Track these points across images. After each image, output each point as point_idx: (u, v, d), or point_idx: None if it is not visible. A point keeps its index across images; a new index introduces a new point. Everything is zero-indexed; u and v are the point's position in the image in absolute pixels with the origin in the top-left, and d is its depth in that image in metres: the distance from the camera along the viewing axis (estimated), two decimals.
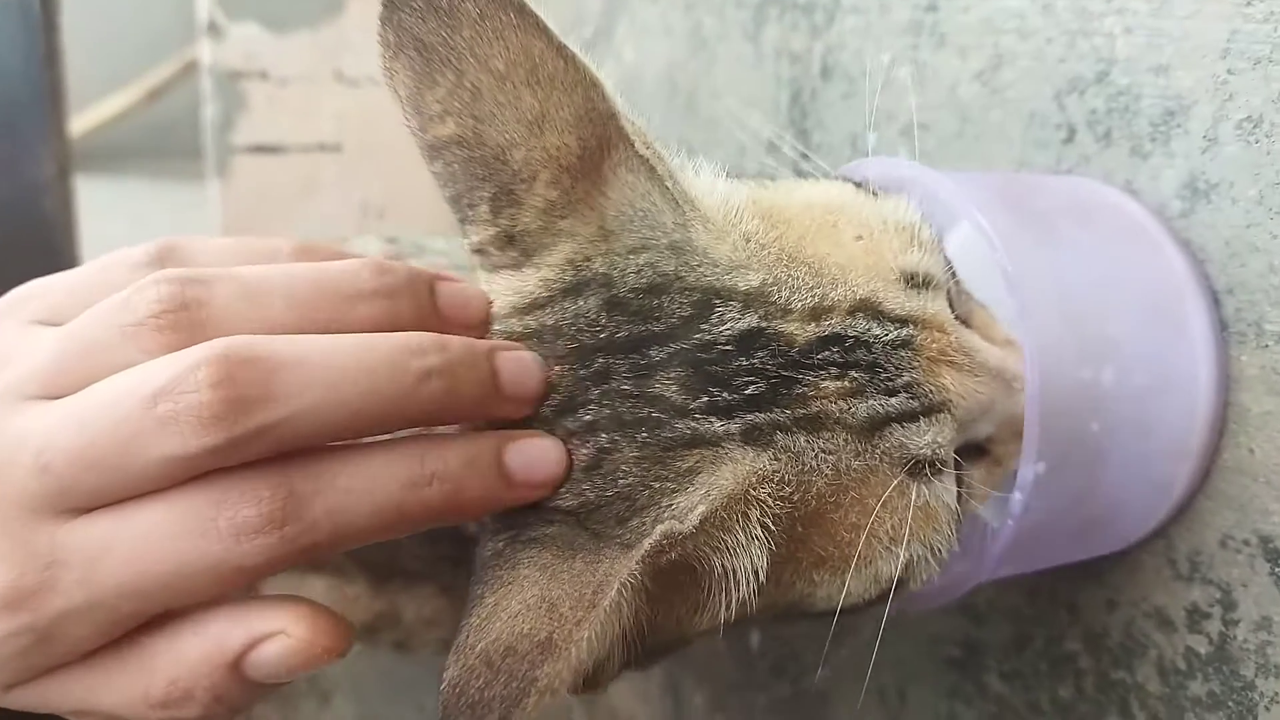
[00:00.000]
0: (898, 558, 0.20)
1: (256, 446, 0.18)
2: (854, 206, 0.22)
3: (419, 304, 0.20)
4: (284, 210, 0.58)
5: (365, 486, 0.18)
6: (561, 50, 0.20)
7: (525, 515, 0.20)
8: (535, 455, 0.20)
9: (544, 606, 0.18)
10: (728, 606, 0.20)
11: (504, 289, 0.21)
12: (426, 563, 0.32)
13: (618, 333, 0.20)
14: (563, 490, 0.20)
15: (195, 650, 0.19)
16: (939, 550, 0.21)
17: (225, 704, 0.19)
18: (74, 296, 0.21)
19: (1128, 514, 0.23)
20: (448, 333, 0.20)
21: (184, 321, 0.18)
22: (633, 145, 0.20)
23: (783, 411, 0.19)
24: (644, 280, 0.20)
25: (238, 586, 0.19)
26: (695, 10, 0.42)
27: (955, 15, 0.29)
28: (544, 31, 0.20)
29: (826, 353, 0.19)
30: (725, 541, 0.19)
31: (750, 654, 0.40)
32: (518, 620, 0.18)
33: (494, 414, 0.20)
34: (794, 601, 0.21)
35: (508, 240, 0.21)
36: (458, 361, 0.19)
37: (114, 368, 0.18)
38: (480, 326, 0.21)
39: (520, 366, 0.20)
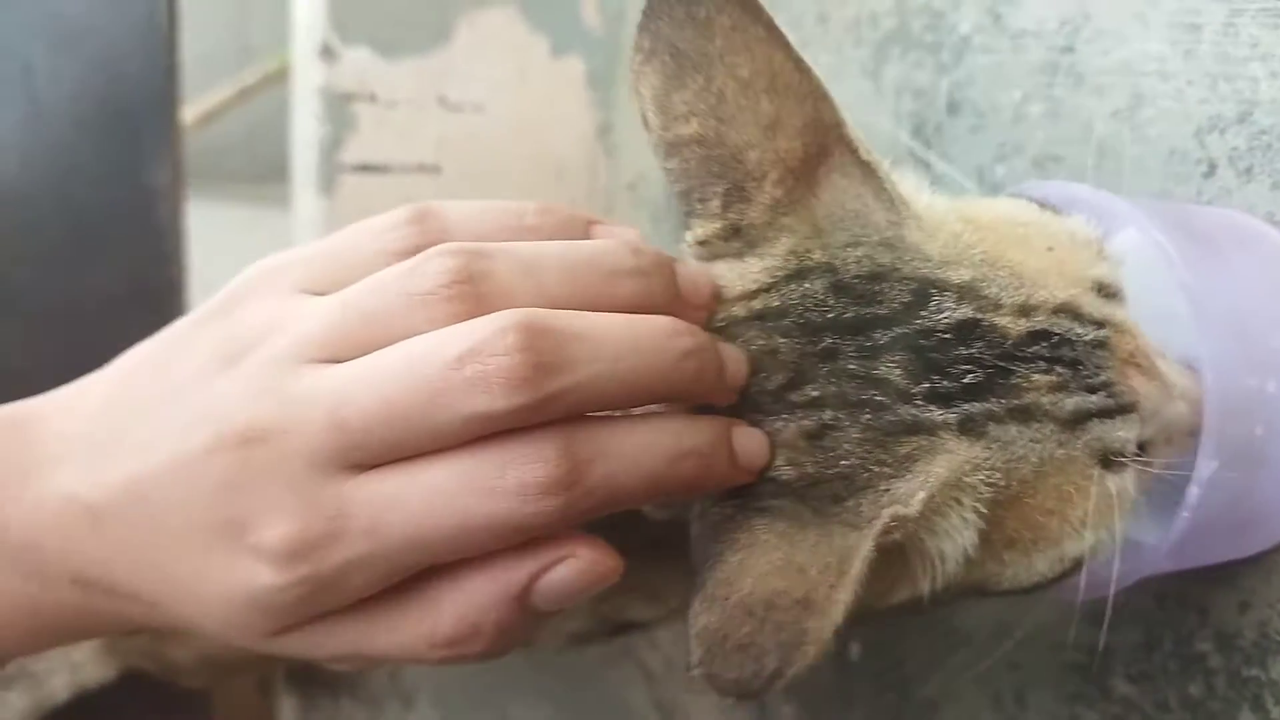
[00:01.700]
0: (1085, 540, 0.22)
1: (550, 410, 0.19)
2: (1040, 221, 0.24)
3: (666, 284, 0.22)
4: None
5: (635, 456, 0.20)
6: (799, 64, 0.22)
7: (747, 487, 0.22)
8: (755, 442, 0.22)
9: (792, 569, 0.20)
10: (932, 584, 0.22)
11: (727, 276, 0.23)
12: None
13: (844, 313, 0.22)
14: (783, 463, 0.22)
15: (482, 587, 0.21)
16: (1118, 537, 0.22)
17: (507, 637, 0.21)
18: (336, 264, 0.22)
19: (1276, 516, 0.25)
20: (685, 312, 0.22)
21: (470, 293, 0.20)
22: (856, 152, 0.22)
23: (998, 402, 0.21)
24: (865, 269, 0.22)
25: (513, 544, 0.20)
26: (810, 49, 0.44)
27: (1093, 58, 0.31)
28: (786, 46, 0.22)
29: (1036, 347, 0.21)
30: (939, 525, 0.21)
31: (849, 665, 0.42)
32: (768, 579, 0.20)
33: (717, 399, 0.22)
34: (979, 581, 0.23)
35: (734, 232, 0.23)
36: (703, 346, 0.21)
37: (399, 334, 0.20)
38: (709, 307, 0.23)
39: (736, 358, 0.22)
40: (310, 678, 0.57)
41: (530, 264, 0.21)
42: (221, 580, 0.21)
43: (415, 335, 0.20)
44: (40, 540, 0.23)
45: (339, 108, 0.59)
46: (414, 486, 0.20)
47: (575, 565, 0.21)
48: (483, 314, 0.20)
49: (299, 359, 0.21)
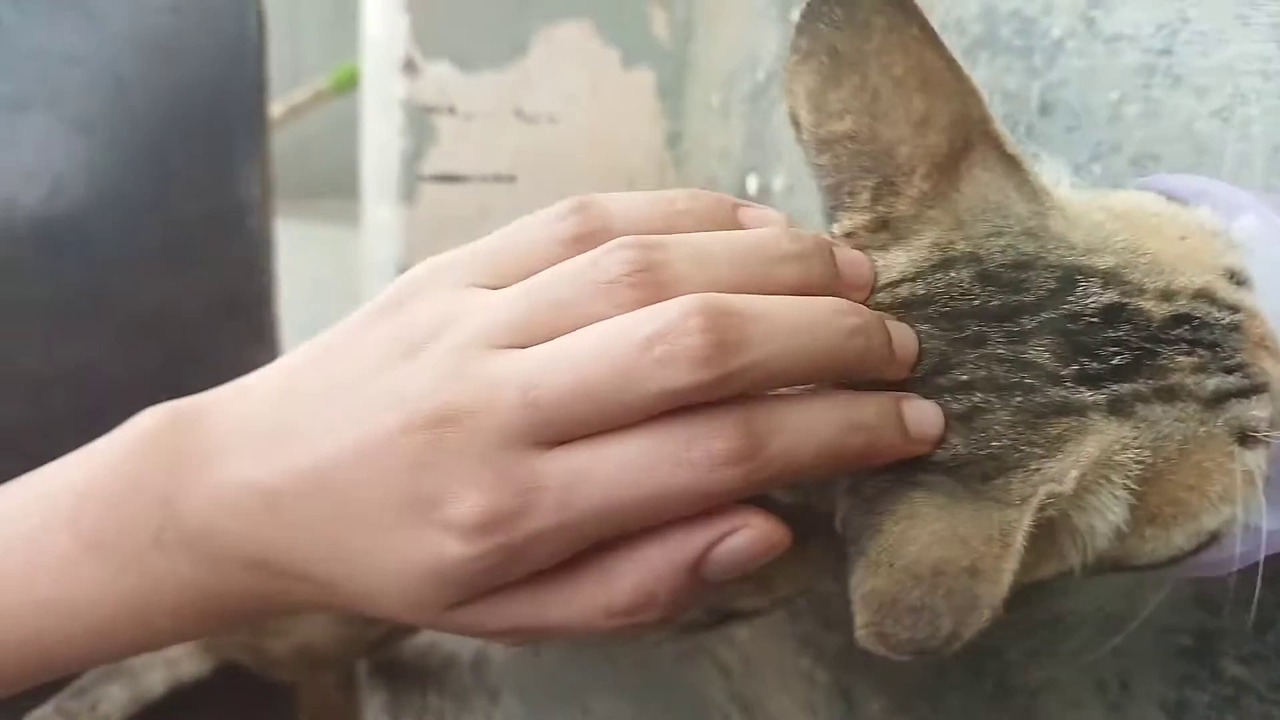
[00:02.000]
0: (1221, 514, 0.23)
1: (730, 387, 0.21)
2: (1170, 212, 0.25)
3: (826, 266, 0.23)
4: (461, 235, 0.62)
5: (809, 430, 0.21)
6: (950, 62, 0.23)
7: (900, 463, 0.23)
8: (926, 414, 0.23)
9: (955, 539, 0.21)
10: (1082, 560, 0.23)
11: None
12: None
13: (990, 301, 0.23)
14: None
15: (659, 558, 0.22)
16: (1250, 513, 0.23)
17: (679, 606, 0.23)
18: (504, 259, 0.24)
19: None
20: (845, 293, 0.23)
21: (650, 281, 0.21)
22: (1001, 146, 0.23)
23: (1145, 382, 0.22)
24: (1009, 258, 0.23)
25: (695, 512, 0.22)
26: None
27: (1192, 59, 0.32)
28: (938, 44, 0.23)
29: (1179, 330, 0.22)
30: (1089, 502, 0.22)
31: (943, 658, 0.43)
32: (931, 548, 0.21)
33: (886, 374, 0.23)
34: (1120, 556, 0.24)
35: (882, 224, 0.24)
36: (871, 324, 0.22)
37: (583, 321, 0.22)
38: (867, 288, 0.24)
39: (907, 334, 0.23)
40: (397, 672, 0.59)
41: (701, 253, 0.22)
42: (407, 555, 0.22)
43: (599, 321, 0.21)
44: (215, 527, 0.24)
45: (420, 120, 0.61)
46: (602, 460, 0.21)
47: (749, 535, 0.22)
48: (662, 300, 0.21)
49: (484, 345, 0.22)
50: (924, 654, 0.20)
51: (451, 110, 0.61)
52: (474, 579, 0.22)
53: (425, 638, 0.61)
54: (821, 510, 0.32)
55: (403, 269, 0.63)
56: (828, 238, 0.24)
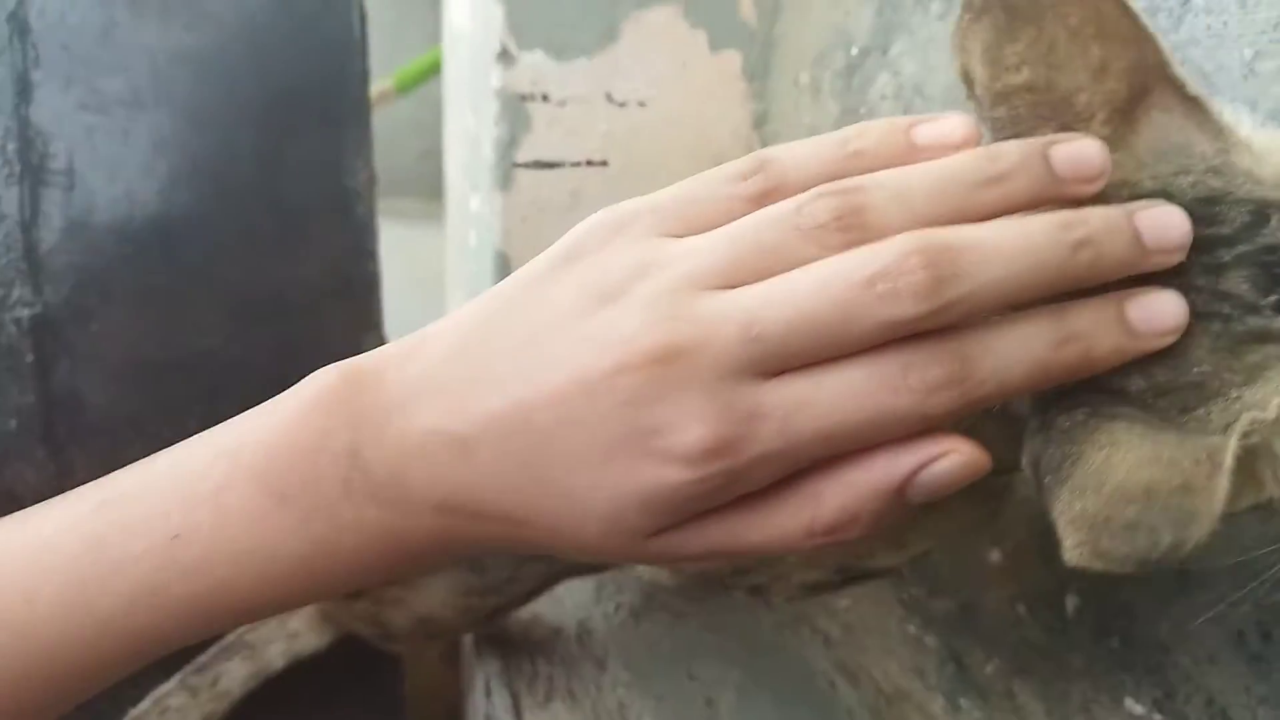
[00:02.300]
0: None
1: (948, 317, 0.22)
2: None
3: (1033, 179, 0.23)
4: (554, 220, 0.64)
5: (1019, 349, 0.23)
6: (1125, 8, 0.24)
7: (1093, 396, 0.24)
8: (1157, 306, 0.23)
9: (1163, 462, 0.22)
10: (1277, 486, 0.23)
11: None
12: None
13: None
14: (1133, 372, 0.23)
15: (866, 480, 0.23)
16: None
17: (878, 526, 0.24)
18: (690, 211, 0.25)
19: None
20: (1068, 194, 0.23)
21: (856, 224, 0.23)
22: (1181, 88, 0.24)
23: None
24: (1199, 193, 0.24)
25: (910, 434, 0.23)
26: None
27: None
28: None
29: None
30: None
31: (1065, 619, 0.43)
32: (1139, 470, 0.22)
33: (1142, 268, 0.23)
34: None
35: None
36: (1100, 229, 0.23)
37: (792, 263, 0.23)
38: (1100, 178, 0.24)
39: (1161, 219, 0.23)
40: (505, 644, 0.60)
41: (900, 191, 0.23)
42: (621, 486, 0.24)
43: (806, 263, 0.23)
44: (404, 474, 0.25)
45: (515, 108, 0.62)
46: (822, 388, 0.23)
47: (956, 460, 0.23)
48: (869, 241, 0.22)
49: (693, 287, 0.23)
50: (1143, 566, 0.21)
51: (545, 98, 0.62)
52: (688, 504, 0.24)
53: (527, 613, 0.62)
54: None
55: (501, 255, 0.65)
56: (1045, 137, 0.24)
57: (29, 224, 0.54)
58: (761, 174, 0.25)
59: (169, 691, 0.58)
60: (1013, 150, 0.24)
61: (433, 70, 1.23)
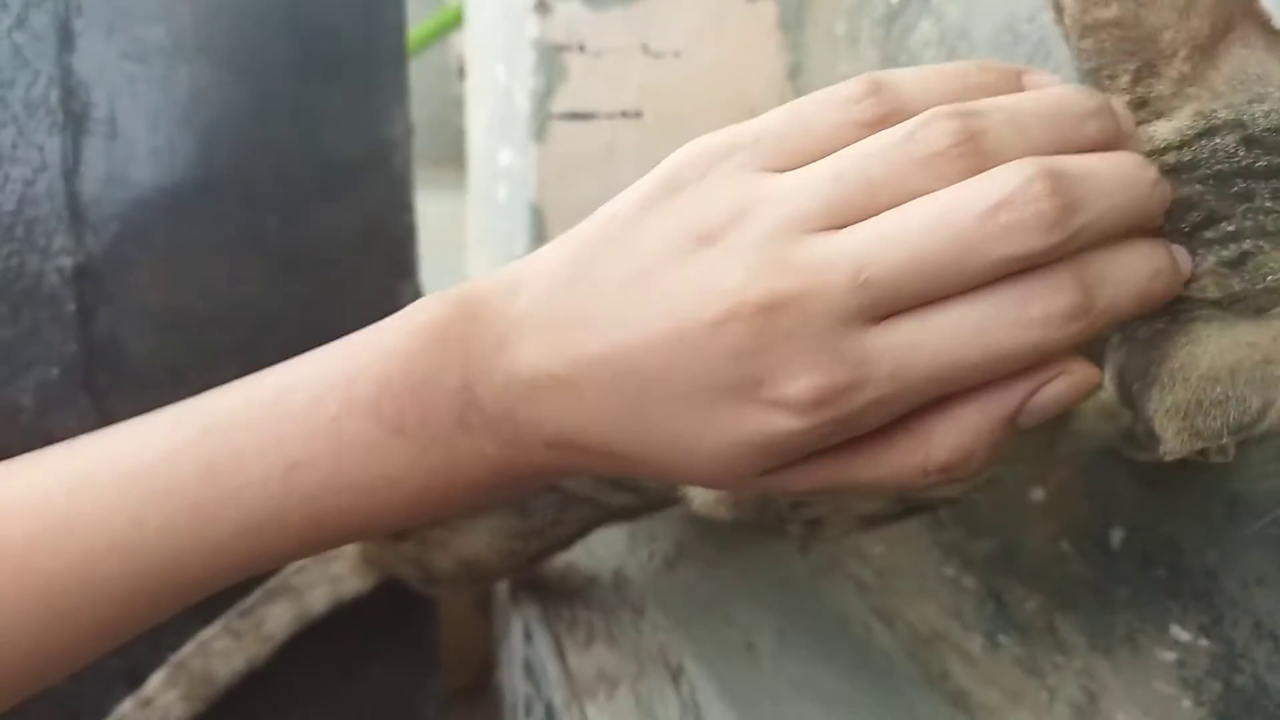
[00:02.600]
0: None
1: (1070, 247, 0.22)
2: None
3: (1116, 122, 0.24)
4: (588, 173, 0.64)
5: (1128, 279, 0.23)
6: None
7: (1171, 306, 0.24)
8: (1184, 257, 0.24)
9: (1242, 345, 0.23)
10: None
11: (1137, 139, 0.26)
12: None
13: (1256, 162, 0.24)
14: (1208, 284, 0.24)
15: (978, 416, 0.23)
16: None
17: (993, 458, 0.24)
18: (796, 142, 0.24)
19: None
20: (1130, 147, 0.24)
21: (974, 151, 0.22)
22: (1264, 23, 0.25)
23: None
24: (1273, 122, 0.24)
25: (1030, 364, 0.23)
26: None
27: None
28: None
29: None
30: None
31: (1110, 552, 0.44)
32: (1222, 355, 0.23)
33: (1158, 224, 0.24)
34: None
35: (1141, 104, 0.26)
36: (1159, 176, 0.24)
37: (902, 197, 0.22)
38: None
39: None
40: (544, 588, 0.61)
41: (1016, 118, 0.23)
42: (729, 432, 0.24)
43: (921, 196, 0.22)
44: (515, 412, 0.25)
45: (551, 59, 0.62)
46: (937, 328, 0.22)
47: (1069, 380, 0.23)
48: (987, 169, 0.22)
49: (798, 230, 0.23)
50: (1235, 433, 0.22)
51: (581, 48, 0.62)
52: (798, 450, 0.24)
53: (562, 562, 0.63)
54: None
55: (535, 209, 0.65)
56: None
57: (71, 173, 0.54)
58: (876, 97, 0.24)
59: (213, 635, 0.59)
60: (1097, 92, 0.24)
61: (436, 35, 1.23)
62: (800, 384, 0.22)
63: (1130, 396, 0.24)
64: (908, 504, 0.39)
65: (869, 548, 0.63)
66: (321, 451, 0.26)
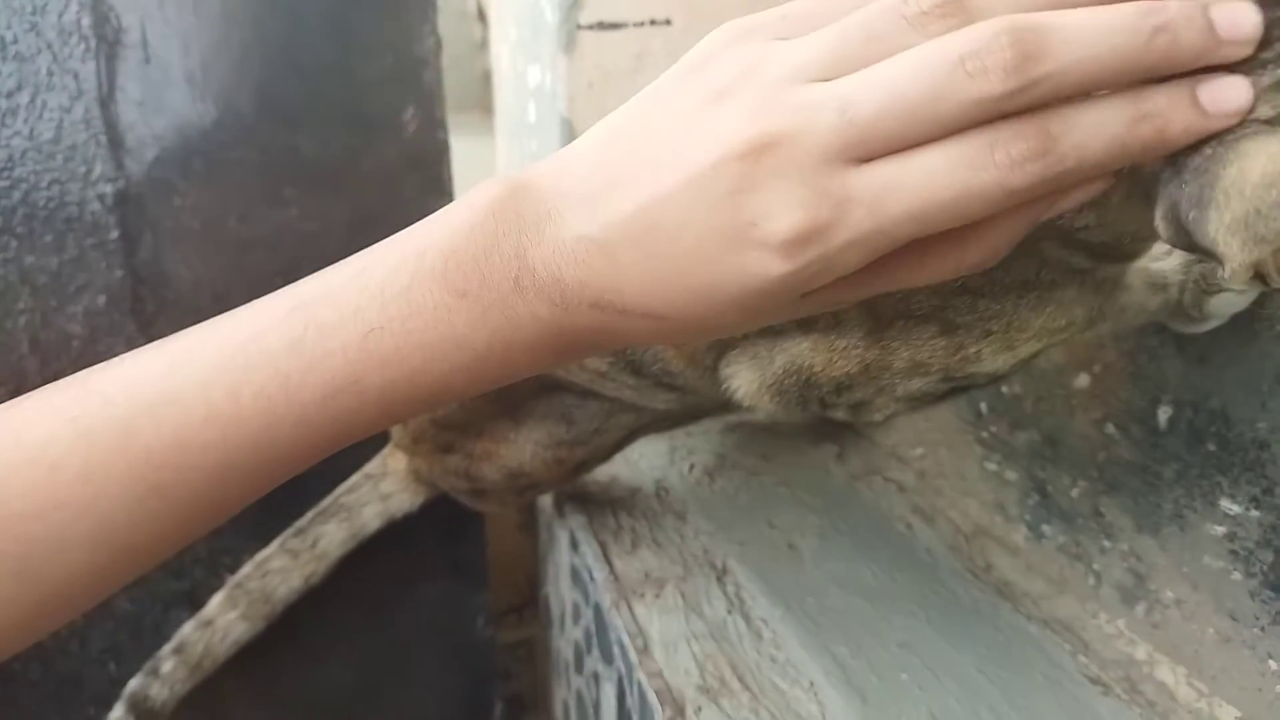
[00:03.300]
0: None
1: (1032, 95, 0.23)
2: None
3: (1196, 33, 0.24)
4: (618, 84, 0.64)
5: (1098, 126, 0.23)
6: None
7: (1218, 137, 0.24)
8: (1226, 89, 0.24)
9: None
10: None
11: None
12: (937, 304, 0.36)
13: None
14: (1261, 106, 0.24)
15: (1006, 221, 0.26)
16: None
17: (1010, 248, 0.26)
18: (811, 20, 0.26)
19: None
20: (1225, 55, 0.24)
21: (957, 10, 0.24)
22: None
23: None
24: None
25: (999, 209, 0.24)
26: None
27: None
28: None
29: None
30: None
31: (1157, 432, 0.44)
32: (1271, 163, 0.22)
33: (1215, 58, 0.24)
34: None
35: None
36: (1178, 17, 0.23)
37: (894, 51, 0.24)
38: (1252, 43, 0.24)
39: (1234, 12, 0.24)
40: (588, 499, 0.62)
41: None
42: (733, 276, 0.25)
43: (907, 49, 0.24)
44: (561, 275, 0.27)
45: None
46: (910, 170, 0.24)
47: (1087, 189, 0.25)
48: (970, 25, 0.23)
49: (798, 79, 0.24)
50: None
51: None
52: (796, 289, 0.25)
53: (605, 475, 0.64)
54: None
55: (567, 123, 0.65)
56: None
57: (107, 99, 0.55)
58: None
59: (269, 555, 0.60)
60: (1173, 4, 0.24)
61: None
62: (784, 222, 0.24)
63: (1186, 226, 0.24)
64: (952, 381, 0.38)
65: (908, 451, 0.63)
66: (395, 316, 0.28)
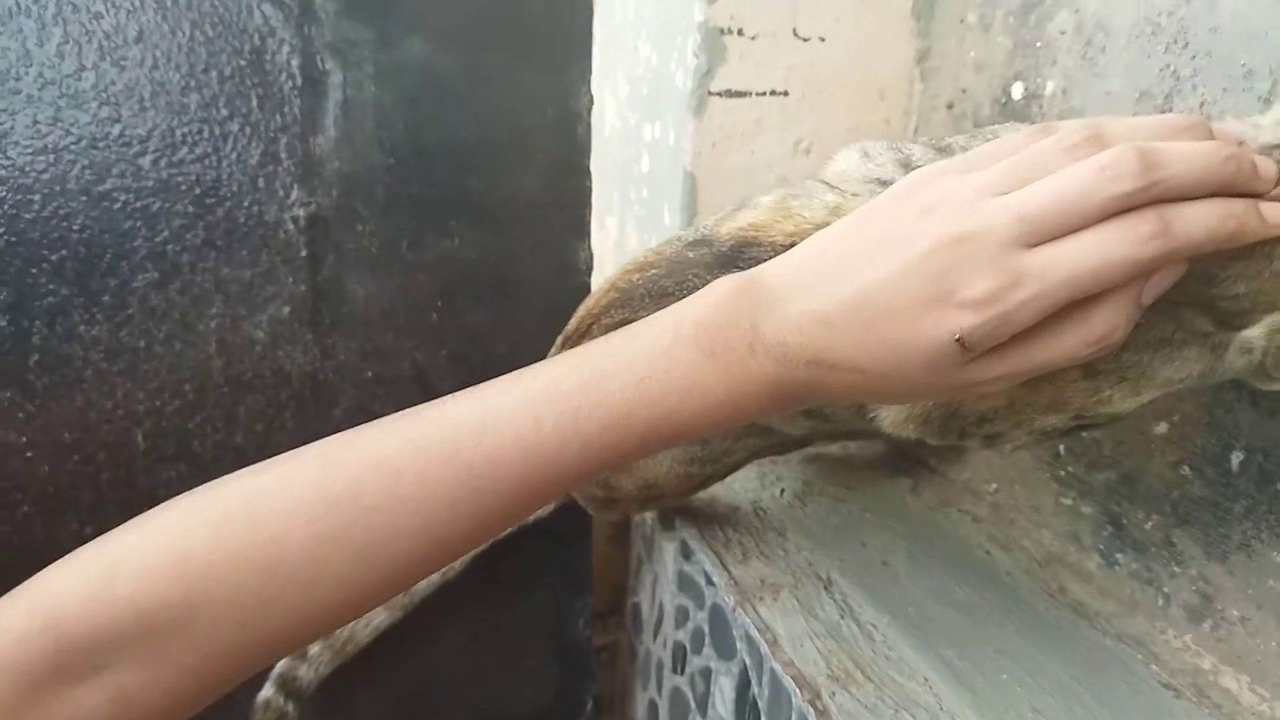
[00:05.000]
0: None
1: (1152, 193, 0.32)
2: None
3: (1241, 166, 0.34)
4: (737, 145, 0.71)
5: (1200, 217, 0.33)
6: None
7: None
8: (1275, 211, 0.34)
9: None
10: None
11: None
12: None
13: None
14: None
15: (1118, 300, 0.34)
16: None
17: (1129, 329, 0.35)
18: (983, 159, 0.36)
19: None
20: (1258, 185, 0.34)
21: (1099, 141, 0.34)
22: None
23: None
24: None
25: (1128, 278, 0.33)
26: None
27: None
28: None
29: None
30: None
31: (1229, 473, 0.52)
32: None
33: (1257, 189, 0.35)
34: None
35: None
36: (1240, 154, 0.34)
37: (1050, 170, 0.34)
38: (1273, 181, 0.35)
39: (1269, 166, 0.35)
40: (694, 514, 0.69)
41: (1130, 127, 0.34)
42: (932, 333, 0.34)
43: (1060, 170, 0.33)
44: (786, 340, 0.36)
45: (714, 40, 0.69)
46: (1068, 248, 0.33)
47: (1170, 273, 0.35)
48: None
49: (985, 194, 0.34)
50: None
51: (740, 32, 0.69)
52: (981, 340, 0.34)
53: (706, 494, 0.71)
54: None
55: (690, 176, 0.72)
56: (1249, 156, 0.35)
57: (307, 133, 0.62)
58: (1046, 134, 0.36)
59: None
60: (1239, 148, 0.34)
61: None
62: (977, 287, 0.33)
63: None
64: (1082, 420, 0.46)
65: (981, 485, 0.71)
66: (660, 368, 0.37)
